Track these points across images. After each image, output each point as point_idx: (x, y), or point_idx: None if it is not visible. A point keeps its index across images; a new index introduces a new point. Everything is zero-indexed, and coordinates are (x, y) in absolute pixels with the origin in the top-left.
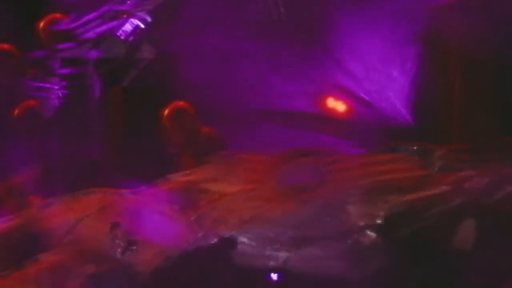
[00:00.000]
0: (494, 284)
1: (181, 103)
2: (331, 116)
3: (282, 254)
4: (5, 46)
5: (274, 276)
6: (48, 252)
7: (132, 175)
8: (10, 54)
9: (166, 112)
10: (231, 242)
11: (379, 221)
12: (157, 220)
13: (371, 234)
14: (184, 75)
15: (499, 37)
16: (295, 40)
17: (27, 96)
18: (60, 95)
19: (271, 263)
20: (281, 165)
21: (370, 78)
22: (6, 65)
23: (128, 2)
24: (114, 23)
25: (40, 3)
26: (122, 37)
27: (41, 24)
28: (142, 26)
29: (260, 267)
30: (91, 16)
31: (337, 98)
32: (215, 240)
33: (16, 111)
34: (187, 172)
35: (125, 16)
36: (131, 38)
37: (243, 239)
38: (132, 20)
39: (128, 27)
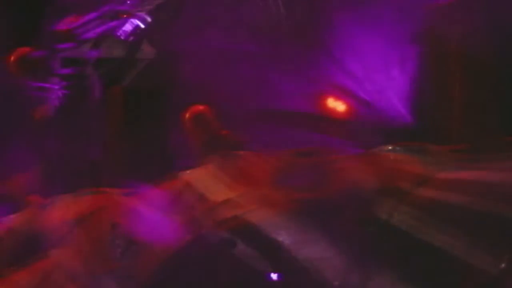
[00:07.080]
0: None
1: (201, 106)
2: (331, 116)
3: (282, 254)
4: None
5: (274, 276)
6: (48, 252)
7: (132, 175)
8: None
9: (187, 115)
10: (231, 242)
11: (379, 221)
12: (157, 220)
13: (372, 233)
14: (184, 75)
15: (499, 37)
16: (295, 40)
17: (28, 96)
18: (60, 95)
19: (271, 263)
20: (281, 165)
21: (370, 78)
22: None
23: (128, 2)
24: (114, 23)
25: (41, 3)
26: (122, 37)
27: (12, 57)
28: (142, 26)
29: (260, 267)
30: (91, 16)
31: (337, 98)
32: (215, 240)
33: (17, 112)
34: (187, 172)
35: (125, 16)
36: (131, 38)
37: (243, 239)
38: (132, 20)
39: (128, 27)
